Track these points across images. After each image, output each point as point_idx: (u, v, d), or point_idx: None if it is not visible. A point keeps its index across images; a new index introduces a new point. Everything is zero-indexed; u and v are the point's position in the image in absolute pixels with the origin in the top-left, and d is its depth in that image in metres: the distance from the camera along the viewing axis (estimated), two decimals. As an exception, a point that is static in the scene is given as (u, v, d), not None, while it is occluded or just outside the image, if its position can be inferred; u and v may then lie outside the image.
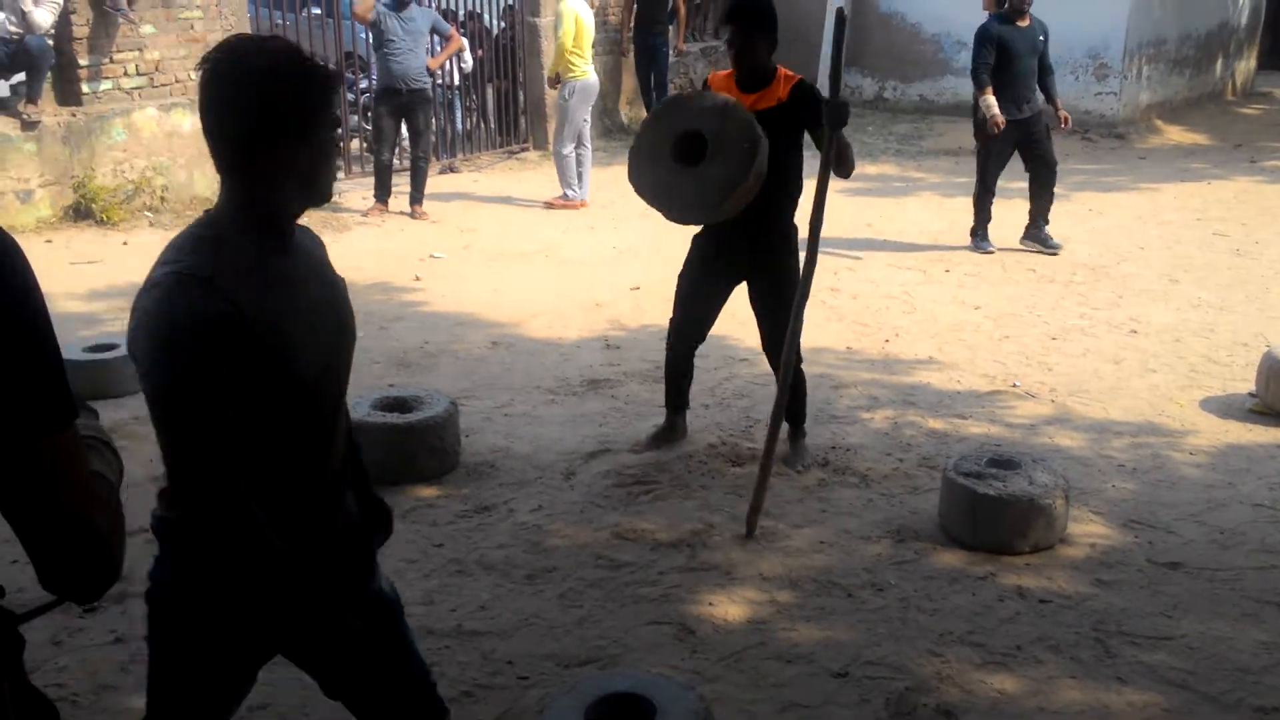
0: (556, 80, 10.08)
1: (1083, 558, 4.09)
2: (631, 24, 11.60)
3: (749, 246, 4.68)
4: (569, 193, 10.08)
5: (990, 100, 8.39)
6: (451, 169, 11.50)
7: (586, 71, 9.99)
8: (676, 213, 4.51)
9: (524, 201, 10.29)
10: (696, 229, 4.83)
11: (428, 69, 9.45)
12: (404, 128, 9.62)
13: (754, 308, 4.86)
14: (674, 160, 4.39)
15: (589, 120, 10.19)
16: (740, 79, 4.57)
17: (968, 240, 8.77)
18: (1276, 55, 17.78)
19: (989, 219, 8.69)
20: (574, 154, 10.02)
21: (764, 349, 4.93)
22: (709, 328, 4.97)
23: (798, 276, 4.49)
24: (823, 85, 4.60)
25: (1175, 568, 4.03)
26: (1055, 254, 8.43)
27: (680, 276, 4.92)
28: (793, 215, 4.75)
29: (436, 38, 9.91)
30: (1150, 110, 14.07)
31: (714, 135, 4.30)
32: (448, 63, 11.32)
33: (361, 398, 4.95)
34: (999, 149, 8.59)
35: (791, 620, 3.69)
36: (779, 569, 4.03)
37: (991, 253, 8.44)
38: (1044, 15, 13.37)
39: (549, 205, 10.04)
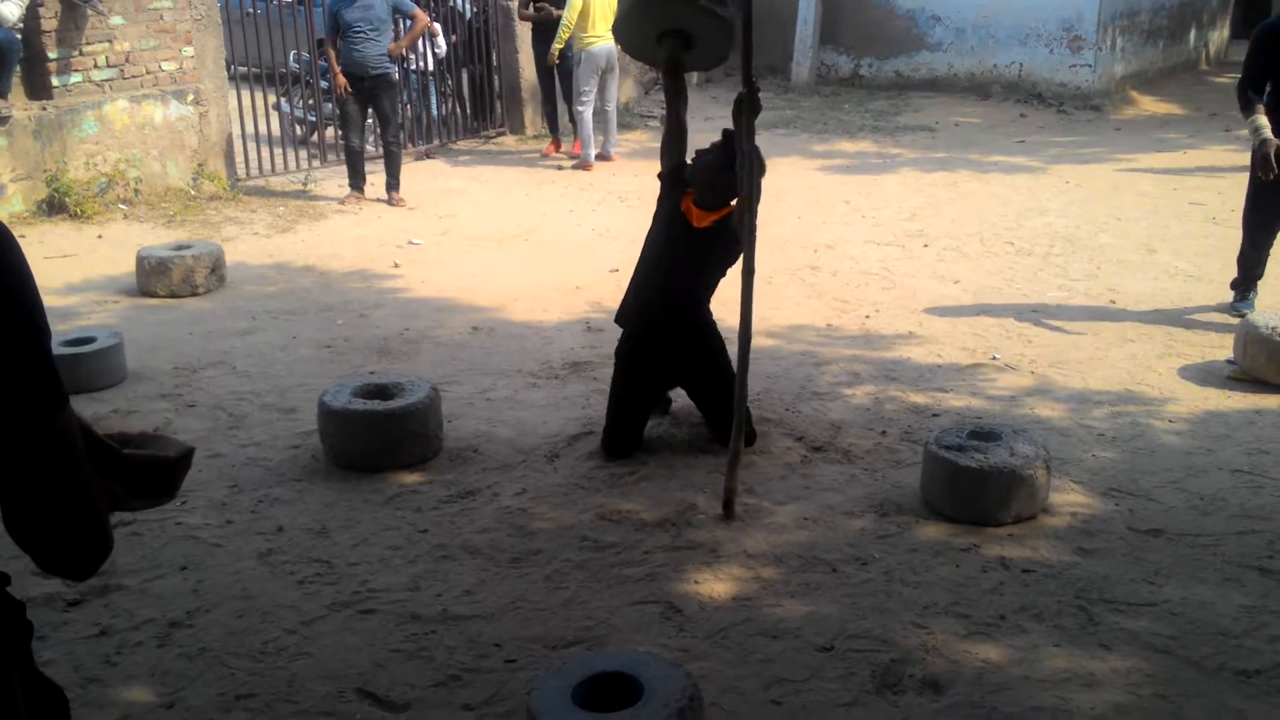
0: (555, 59, 10.89)
1: (1064, 527, 4.12)
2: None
3: (676, 351, 4.78)
4: (584, 152, 10.88)
5: (1261, 124, 6.12)
6: (428, 155, 11.45)
7: (593, 42, 10.53)
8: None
9: (501, 185, 10.27)
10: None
11: (390, 54, 9.39)
12: (372, 114, 9.57)
13: (694, 400, 4.97)
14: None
15: (600, 85, 10.86)
16: (700, 200, 4.64)
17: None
18: (1249, 24, 17.82)
19: (1258, 275, 6.57)
20: (588, 116, 10.73)
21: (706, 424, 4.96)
22: (642, 432, 4.90)
23: (724, 351, 4.73)
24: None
25: (1156, 534, 4.06)
26: None
27: (611, 387, 4.90)
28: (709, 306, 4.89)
29: (403, 21, 9.84)
30: (1125, 82, 14.11)
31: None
32: (421, 46, 11.29)
33: (342, 385, 4.94)
34: (1272, 196, 6.27)
35: (776, 596, 3.71)
36: (763, 545, 4.04)
37: (1244, 315, 5.96)
38: (1017, -12, 13.47)
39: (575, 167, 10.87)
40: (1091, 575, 3.78)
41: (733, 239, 4.45)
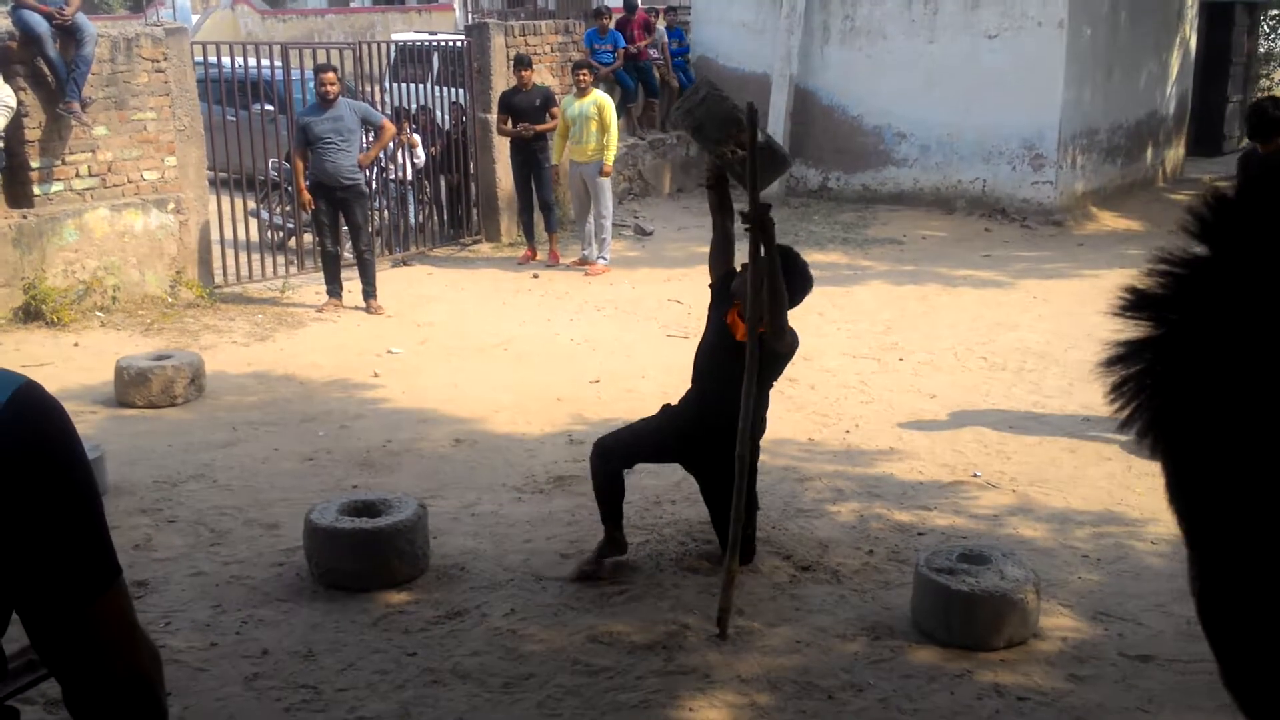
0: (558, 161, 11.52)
1: (1056, 652, 4.13)
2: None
3: (701, 449, 4.78)
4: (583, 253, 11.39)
5: None
6: (405, 262, 11.53)
7: (576, 156, 11.09)
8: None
9: (478, 293, 10.35)
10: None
11: (360, 163, 9.50)
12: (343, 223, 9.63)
13: (704, 497, 4.98)
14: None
15: (585, 195, 11.25)
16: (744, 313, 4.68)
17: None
18: (1203, 143, 18.43)
19: None
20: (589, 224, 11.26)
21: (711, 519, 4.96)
22: (635, 464, 4.96)
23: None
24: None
25: (1147, 660, 4.08)
26: None
27: (644, 421, 4.96)
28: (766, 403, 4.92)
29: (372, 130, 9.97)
30: (1085, 198, 14.49)
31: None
32: (400, 157, 11.46)
33: (329, 502, 4.91)
34: None
35: (773, 724, 3.68)
36: (757, 669, 4.02)
37: None
38: (981, 109, 13.91)
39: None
40: (1086, 703, 3.79)
41: (773, 354, 4.49)
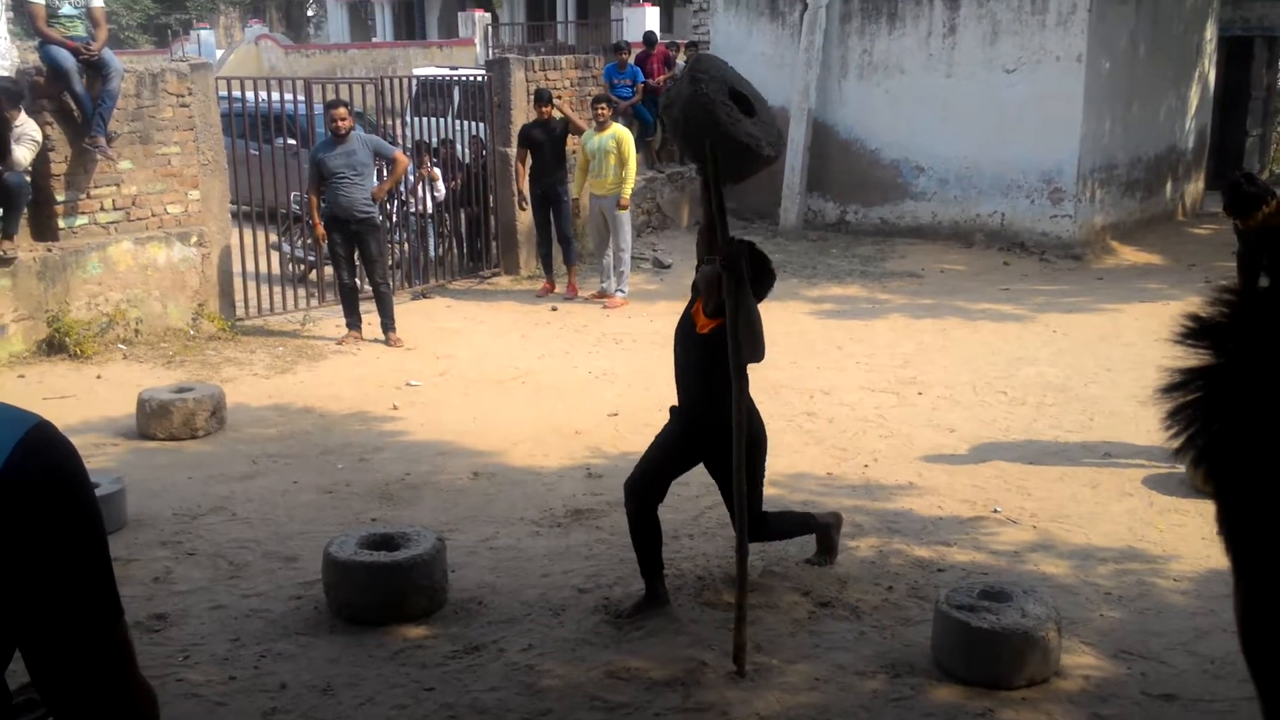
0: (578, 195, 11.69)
1: (1078, 691, 4.09)
2: (526, 174, 11.75)
3: (697, 445, 4.76)
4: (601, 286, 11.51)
5: None
6: (424, 295, 11.59)
7: (595, 189, 11.23)
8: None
9: (497, 326, 10.39)
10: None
11: (374, 197, 9.57)
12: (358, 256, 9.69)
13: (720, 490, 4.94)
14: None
15: (604, 228, 11.37)
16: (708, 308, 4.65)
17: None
18: (1223, 177, 18.35)
19: None
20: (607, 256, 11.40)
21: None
22: (666, 487, 4.85)
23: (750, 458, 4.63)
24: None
25: (1170, 700, 4.04)
26: None
27: (657, 436, 4.91)
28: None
29: (385, 164, 10.04)
30: (1104, 231, 14.47)
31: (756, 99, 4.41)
32: (421, 190, 11.54)
33: (347, 535, 4.92)
34: None
35: (792, 762, 3.65)
36: (775, 707, 3.99)
37: None
38: (999, 143, 13.93)
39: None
40: (1109, 742, 3.75)
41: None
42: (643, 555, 4.78)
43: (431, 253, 12.01)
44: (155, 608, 4.74)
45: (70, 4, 8.89)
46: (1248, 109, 18.94)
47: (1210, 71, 16.68)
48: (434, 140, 12.14)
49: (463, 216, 12.42)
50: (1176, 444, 0.61)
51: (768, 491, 6.07)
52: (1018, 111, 13.74)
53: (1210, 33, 16.38)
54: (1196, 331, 0.58)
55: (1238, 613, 0.64)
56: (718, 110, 4.14)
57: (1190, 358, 0.58)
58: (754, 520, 4.66)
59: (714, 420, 4.60)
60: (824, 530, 5.18)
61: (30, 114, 8.51)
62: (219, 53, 28.72)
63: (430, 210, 11.88)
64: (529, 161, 11.38)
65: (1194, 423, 0.60)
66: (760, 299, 4.48)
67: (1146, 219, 15.35)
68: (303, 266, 11.50)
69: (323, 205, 9.36)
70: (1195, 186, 16.84)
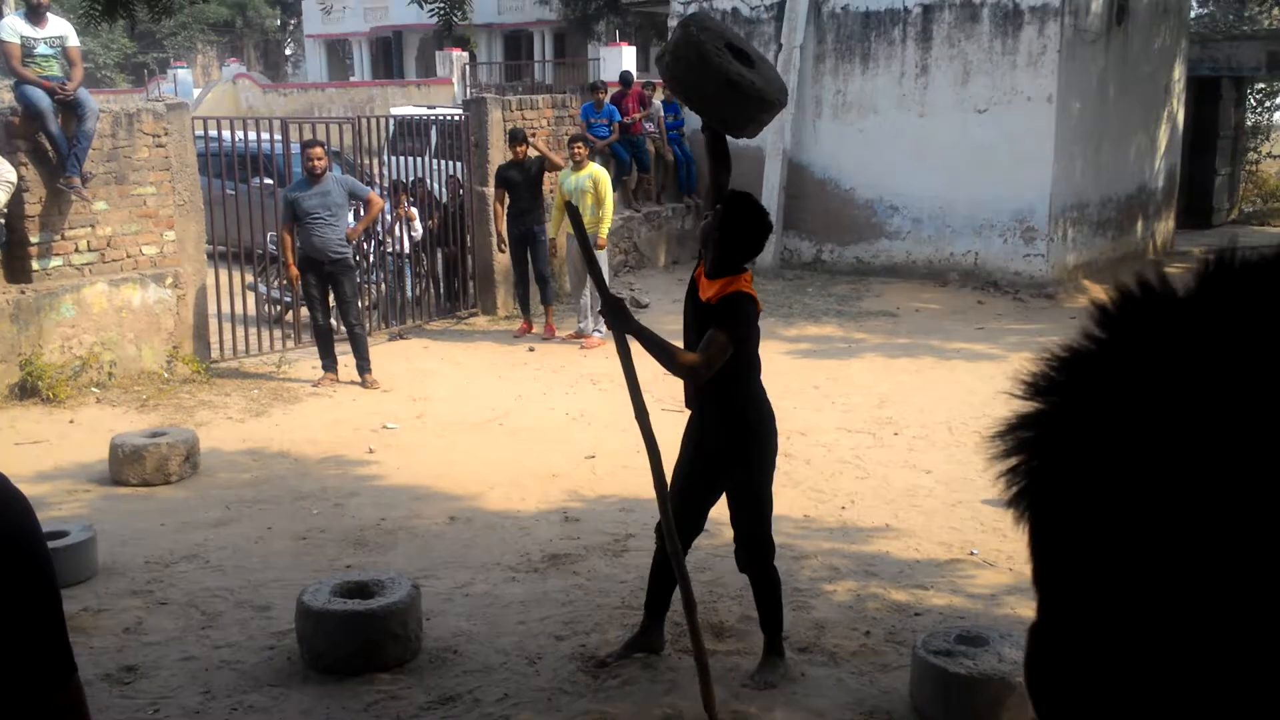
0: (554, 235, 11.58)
1: (1056, 737, 4.08)
2: (504, 216, 11.73)
3: (713, 435, 4.54)
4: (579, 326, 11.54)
5: None
6: (401, 335, 11.57)
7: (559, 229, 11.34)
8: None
9: (474, 367, 10.37)
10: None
11: (347, 238, 9.55)
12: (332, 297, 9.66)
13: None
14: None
15: (581, 268, 11.16)
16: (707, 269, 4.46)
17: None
18: (1193, 215, 18.63)
19: None
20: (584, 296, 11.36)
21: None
22: (703, 521, 4.63)
23: (756, 458, 4.54)
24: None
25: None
26: None
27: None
28: (742, 394, 4.65)
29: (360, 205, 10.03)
30: (1077, 270, 14.60)
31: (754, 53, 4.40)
32: (398, 230, 11.54)
33: (321, 583, 4.88)
34: None
35: (770, 814, 3.63)
36: (753, 757, 3.97)
37: None
38: (972, 183, 14.06)
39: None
40: (1087, 790, 3.73)
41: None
42: (649, 591, 4.71)
43: (408, 293, 12.01)
44: (125, 659, 4.68)
45: (45, 43, 8.87)
46: (1216, 148, 19.22)
47: (1179, 111, 16.92)
48: (410, 179, 12.16)
49: (440, 256, 12.43)
50: (1002, 482, 0.66)
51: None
52: (990, 151, 13.90)
53: (1179, 73, 16.64)
54: (1029, 387, 0.63)
55: (1026, 649, 0.67)
56: (706, 48, 4.14)
57: (1023, 407, 0.63)
58: (762, 541, 4.56)
59: (714, 402, 4.43)
60: (779, 639, 4.67)
61: (5, 155, 8.48)
62: (196, 92, 28.74)
63: (407, 250, 11.89)
64: (507, 202, 11.41)
65: (1018, 461, 0.65)
66: (757, 253, 4.39)
67: (1118, 258, 15.49)
68: (278, 307, 11.47)
69: (297, 245, 9.34)
70: (1166, 225, 17.04)
